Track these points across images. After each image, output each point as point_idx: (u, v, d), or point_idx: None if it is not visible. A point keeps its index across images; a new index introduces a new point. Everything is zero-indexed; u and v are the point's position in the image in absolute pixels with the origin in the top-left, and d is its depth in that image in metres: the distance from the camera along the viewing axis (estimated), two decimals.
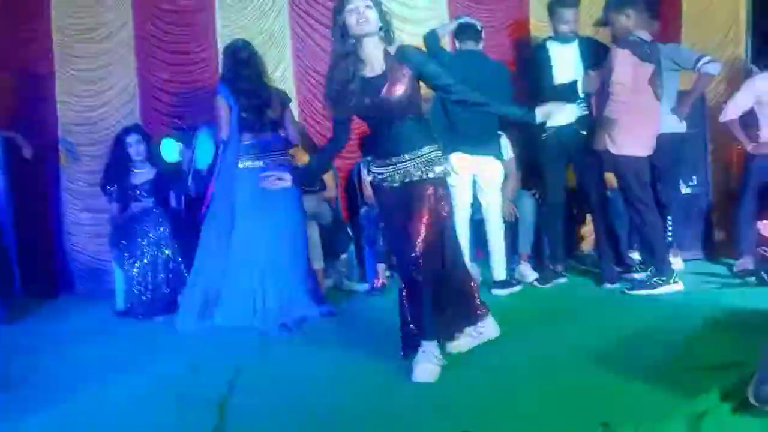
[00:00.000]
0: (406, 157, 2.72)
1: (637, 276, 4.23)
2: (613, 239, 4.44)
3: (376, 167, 2.83)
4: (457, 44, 4.36)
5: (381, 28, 2.66)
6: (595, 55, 4.15)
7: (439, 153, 2.77)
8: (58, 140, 5.29)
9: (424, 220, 2.65)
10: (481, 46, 4.32)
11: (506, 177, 4.41)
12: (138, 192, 4.53)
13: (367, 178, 4.84)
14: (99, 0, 5.26)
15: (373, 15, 2.61)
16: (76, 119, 5.31)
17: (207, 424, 2.24)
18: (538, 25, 5.10)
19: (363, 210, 4.79)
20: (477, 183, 4.25)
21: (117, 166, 4.55)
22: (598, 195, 4.25)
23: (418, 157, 2.72)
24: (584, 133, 4.17)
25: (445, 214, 2.75)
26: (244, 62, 3.88)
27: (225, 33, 5.19)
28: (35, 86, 5.30)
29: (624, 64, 3.84)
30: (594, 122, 4.14)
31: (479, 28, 4.32)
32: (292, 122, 4.17)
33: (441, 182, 2.75)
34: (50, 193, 5.35)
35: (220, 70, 5.04)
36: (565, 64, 4.20)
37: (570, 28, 4.19)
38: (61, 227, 5.36)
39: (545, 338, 3.10)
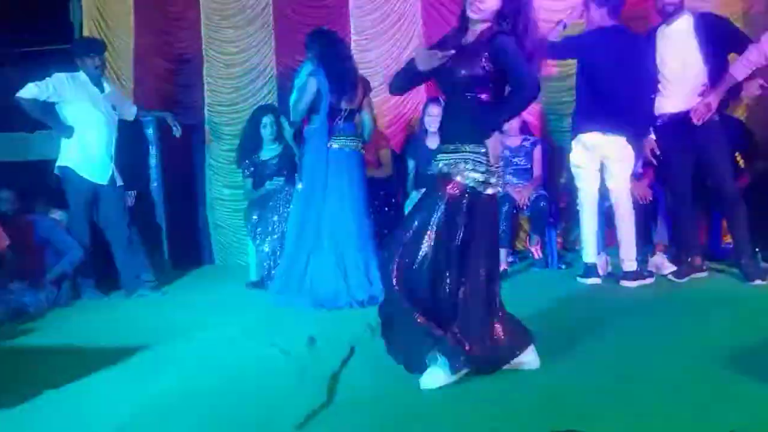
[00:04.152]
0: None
1: None
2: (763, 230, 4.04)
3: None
4: (593, 13, 4.02)
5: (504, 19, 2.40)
6: (714, 33, 3.82)
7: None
8: (204, 120, 5.67)
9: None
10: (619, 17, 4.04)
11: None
12: (269, 169, 4.76)
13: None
14: None
15: (491, 2, 2.39)
16: (219, 100, 5.67)
17: (318, 396, 2.32)
18: None
19: None
20: (605, 166, 4.03)
21: (249, 143, 4.80)
22: (729, 183, 3.89)
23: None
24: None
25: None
26: (339, 45, 3.99)
27: (358, 14, 5.30)
28: (185, 70, 5.72)
29: None
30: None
31: None
32: (369, 111, 4.21)
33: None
34: (196, 170, 5.77)
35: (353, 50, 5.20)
36: (674, 47, 3.89)
37: (664, 1, 3.86)
38: (204, 202, 5.77)
39: (673, 334, 2.89)
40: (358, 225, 4.02)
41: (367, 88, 4.21)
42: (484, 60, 2.39)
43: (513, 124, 4.66)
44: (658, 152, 3.99)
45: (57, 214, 4.79)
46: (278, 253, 4.45)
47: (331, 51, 3.99)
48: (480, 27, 2.46)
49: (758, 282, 3.78)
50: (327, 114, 4.00)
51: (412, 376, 2.47)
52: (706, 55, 3.83)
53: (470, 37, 2.49)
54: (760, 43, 3.68)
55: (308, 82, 4.00)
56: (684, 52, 3.88)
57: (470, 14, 2.43)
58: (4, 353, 3.32)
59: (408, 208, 4.25)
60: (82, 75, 4.50)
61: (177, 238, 5.50)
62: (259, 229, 4.58)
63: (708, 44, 3.82)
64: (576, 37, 4.14)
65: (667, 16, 3.92)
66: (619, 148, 3.99)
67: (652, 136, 4.01)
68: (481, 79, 2.42)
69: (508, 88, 2.48)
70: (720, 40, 3.85)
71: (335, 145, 4.03)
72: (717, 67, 3.85)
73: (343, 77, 3.97)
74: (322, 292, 3.85)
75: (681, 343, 2.76)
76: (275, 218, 4.51)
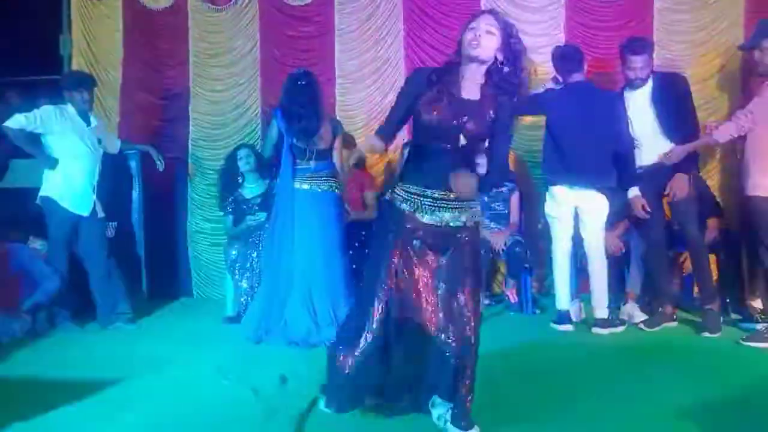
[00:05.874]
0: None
1: (758, 326, 3.90)
2: (730, 284, 4.15)
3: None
4: (560, 77, 4.25)
5: (500, 62, 2.38)
6: (673, 92, 4.03)
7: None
8: (187, 154, 5.73)
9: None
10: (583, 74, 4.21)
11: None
12: (251, 206, 4.80)
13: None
14: (231, 25, 5.66)
15: (489, 42, 2.37)
16: (204, 135, 5.71)
17: None
18: (662, 53, 4.88)
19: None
20: (579, 215, 4.14)
21: (228, 179, 4.86)
22: (695, 235, 4.03)
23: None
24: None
25: None
26: (299, 89, 4.04)
27: (342, 58, 5.42)
28: (171, 105, 5.78)
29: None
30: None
31: (581, 55, 4.20)
32: (338, 152, 4.25)
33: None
34: (177, 203, 5.79)
35: (336, 93, 5.35)
36: (638, 111, 4.08)
37: (636, 75, 4.05)
38: (185, 234, 5.78)
39: (634, 387, 2.93)
40: (327, 266, 4.04)
41: (336, 129, 4.24)
42: (489, 117, 2.41)
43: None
44: (648, 209, 4.07)
45: (37, 244, 4.78)
46: (256, 289, 4.46)
47: (287, 92, 4.07)
48: (477, 73, 2.42)
49: (707, 334, 3.88)
50: (289, 154, 4.09)
51: (380, 419, 2.51)
52: (658, 112, 4.02)
53: (469, 85, 2.44)
54: (737, 118, 3.84)
55: (271, 123, 4.15)
56: (648, 112, 4.06)
57: (471, 52, 2.36)
58: None
59: None
60: (69, 108, 4.55)
61: (155, 270, 5.49)
62: (237, 265, 4.60)
63: (663, 102, 4.01)
64: (541, 94, 4.28)
65: (636, 85, 4.09)
66: (590, 200, 4.09)
67: (637, 192, 4.10)
68: (486, 134, 2.46)
69: None
70: (673, 97, 4.04)
71: (305, 186, 4.08)
72: (667, 119, 4.02)
73: (292, 117, 4.03)
74: (295, 330, 3.87)
75: (639, 396, 2.81)
76: (254, 254, 4.54)
